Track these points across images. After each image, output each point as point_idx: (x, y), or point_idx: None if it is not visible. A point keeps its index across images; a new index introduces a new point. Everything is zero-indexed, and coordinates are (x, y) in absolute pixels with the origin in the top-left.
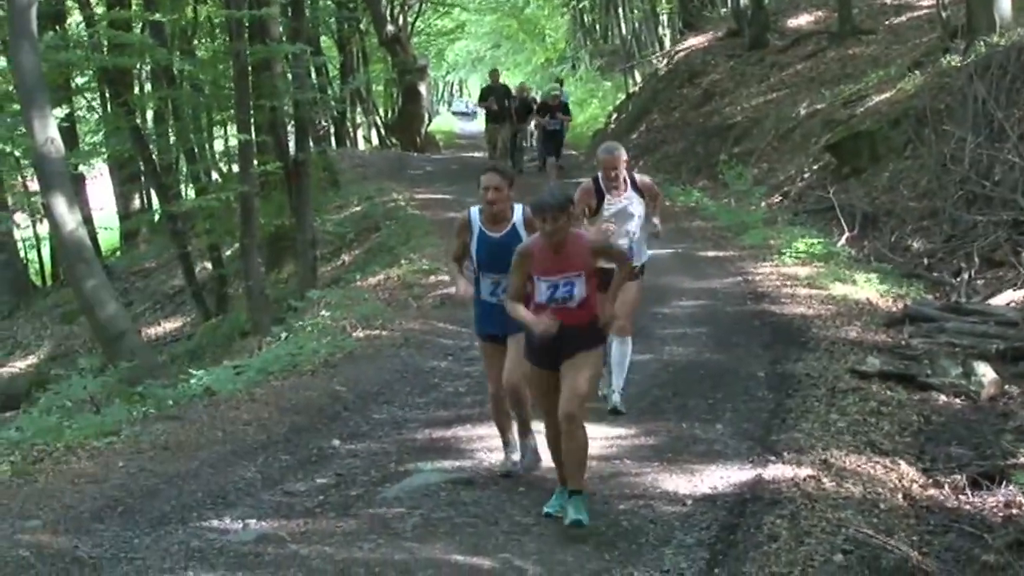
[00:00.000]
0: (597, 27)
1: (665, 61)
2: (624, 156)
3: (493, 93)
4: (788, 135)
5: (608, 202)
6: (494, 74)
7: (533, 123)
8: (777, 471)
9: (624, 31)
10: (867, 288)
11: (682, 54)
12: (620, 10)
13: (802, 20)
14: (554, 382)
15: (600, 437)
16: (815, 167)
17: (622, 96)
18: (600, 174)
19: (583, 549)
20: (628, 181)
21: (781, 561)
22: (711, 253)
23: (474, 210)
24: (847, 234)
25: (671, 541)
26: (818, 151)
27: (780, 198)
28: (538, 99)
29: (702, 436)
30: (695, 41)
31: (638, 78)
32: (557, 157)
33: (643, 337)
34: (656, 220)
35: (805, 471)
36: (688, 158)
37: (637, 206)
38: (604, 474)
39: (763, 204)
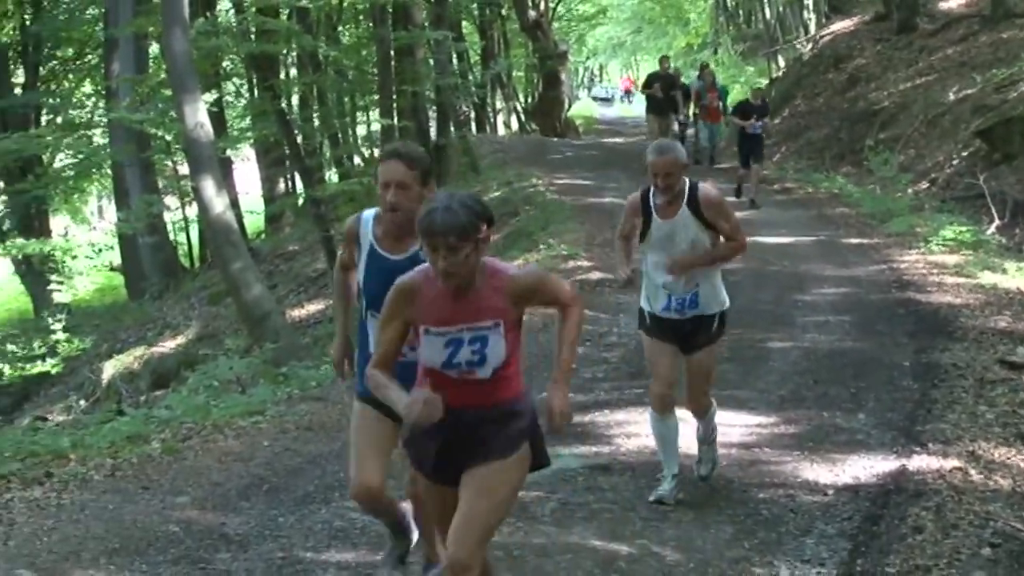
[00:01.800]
0: (740, 11)
1: (810, 46)
2: (683, 159)
3: (659, 80)
4: (937, 121)
5: (657, 226)
6: (663, 60)
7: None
8: (922, 462)
9: (768, 15)
10: (1018, 277)
11: (827, 38)
12: None
13: (953, 3)
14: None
15: (739, 425)
16: (964, 153)
17: (765, 81)
18: (651, 185)
19: (722, 537)
20: (686, 195)
21: (926, 554)
22: (855, 240)
23: (368, 214)
24: (997, 222)
25: (812, 531)
26: (968, 137)
27: (927, 185)
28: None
29: (844, 425)
30: (841, 25)
31: (782, 63)
32: (759, 163)
33: (784, 324)
34: (669, 261)
35: (951, 462)
36: (832, 144)
37: (692, 231)
38: (744, 462)
39: (909, 191)
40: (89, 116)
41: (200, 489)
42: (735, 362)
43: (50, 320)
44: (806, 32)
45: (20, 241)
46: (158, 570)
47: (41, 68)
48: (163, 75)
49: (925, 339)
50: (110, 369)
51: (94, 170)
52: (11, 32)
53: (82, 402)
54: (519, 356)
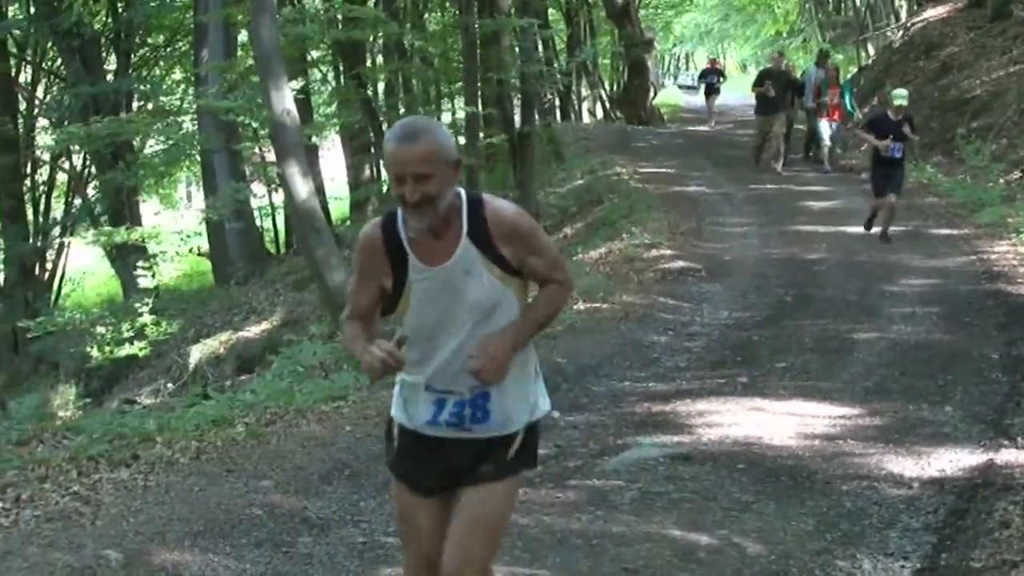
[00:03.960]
0: None
1: (900, 33)
2: (449, 152)
3: (772, 78)
4: None
5: (419, 279)
6: (776, 58)
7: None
8: (1011, 456)
9: (858, 2)
10: None
11: (919, 26)
12: None
13: None
14: None
15: (823, 416)
16: None
17: (854, 69)
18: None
19: (804, 529)
20: (465, 219)
21: (1013, 549)
22: (944, 231)
23: None
24: None
25: (896, 524)
26: None
27: (1020, 175)
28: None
29: (930, 418)
30: (933, 12)
31: (871, 51)
32: (897, 192)
33: (871, 315)
34: (474, 354)
35: None
36: (922, 133)
37: (484, 283)
38: (827, 454)
39: (1001, 181)
40: (179, 103)
41: (283, 473)
42: (819, 352)
43: (137, 304)
44: (897, 19)
45: (108, 229)
46: (241, 552)
47: (132, 55)
48: (251, 62)
49: (1015, 331)
50: (197, 353)
51: (183, 156)
52: (104, 19)
53: (169, 385)
54: None
